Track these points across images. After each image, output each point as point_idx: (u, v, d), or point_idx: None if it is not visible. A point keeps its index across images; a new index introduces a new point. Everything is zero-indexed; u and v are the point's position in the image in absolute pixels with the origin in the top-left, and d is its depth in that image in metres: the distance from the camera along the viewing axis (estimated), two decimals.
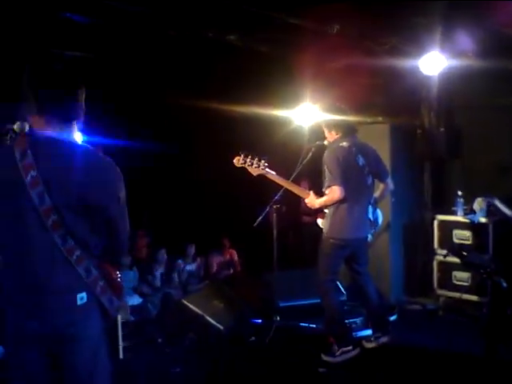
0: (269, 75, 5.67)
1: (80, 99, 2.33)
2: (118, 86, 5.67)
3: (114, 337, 4.09)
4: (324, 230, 4.43)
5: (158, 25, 4.72)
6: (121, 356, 4.09)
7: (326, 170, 4.32)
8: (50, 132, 2.26)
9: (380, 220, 4.71)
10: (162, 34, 4.85)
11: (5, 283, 2.27)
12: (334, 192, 4.25)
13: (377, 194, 4.64)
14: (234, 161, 4.49)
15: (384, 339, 4.58)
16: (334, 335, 4.46)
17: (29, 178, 2.17)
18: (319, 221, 4.59)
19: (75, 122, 2.35)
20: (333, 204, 4.35)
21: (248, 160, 4.44)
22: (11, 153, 2.19)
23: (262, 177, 4.53)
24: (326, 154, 4.39)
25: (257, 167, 4.43)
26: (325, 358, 4.48)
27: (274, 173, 4.48)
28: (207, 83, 6.11)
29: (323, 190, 4.39)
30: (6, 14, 4.11)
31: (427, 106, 5.89)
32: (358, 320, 5.19)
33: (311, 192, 4.52)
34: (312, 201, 4.46)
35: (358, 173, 4.40)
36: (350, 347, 4.40)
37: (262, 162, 4.43)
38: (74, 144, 2.32)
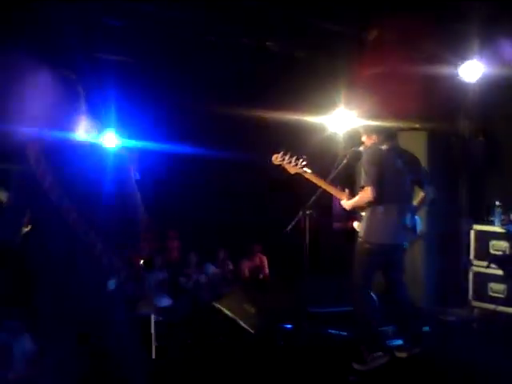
0: (305, 81, 5.67)
1: None
2: (157, 92, 5.74)
3: (147, 336, 4.13)
4: (360, 234, 4.37)
5: (196, 30, 4.79)
6: (153, 356, 4.12)
7: (363, 171, 4.28)
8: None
9: (419, 228, 4.59)
10: (200, 40, 4.90)
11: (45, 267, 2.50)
12: (365, 192, 4.20)
13: (416, 201, 4.55)
14: (273, 158, 4.47)
15: (416, 350, 4.50)
16: (366, 342, 4.40)
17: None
18: (355, 224, 4.54)
19: None
20: (364, 205, 4.30)
21: (286, 158, 4.42)
22: None
23: (298, 176, 4.48)
24: (364, 155, 4.34)
25: (295, 165, 4.40)
26: (356, 366, 4.43)
27: (311, 172, 4.43)
28: (242, 89, 6.15)
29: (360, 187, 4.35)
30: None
31: (465, 114, 5.81)
32: (389, 329, 5.14)
33: (347, 190, 4.47)
34: (345, 202, 4.42)
35: (396, 176, 4.32)
36: (381, 353, 4.33)
37: (300, 160, 4.40)
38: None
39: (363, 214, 4.39)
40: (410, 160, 4.46)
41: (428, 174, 4.73)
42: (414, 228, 4.48)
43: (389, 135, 4.40)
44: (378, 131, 4.39)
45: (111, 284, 2.52)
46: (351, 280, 4.40)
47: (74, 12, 4.23)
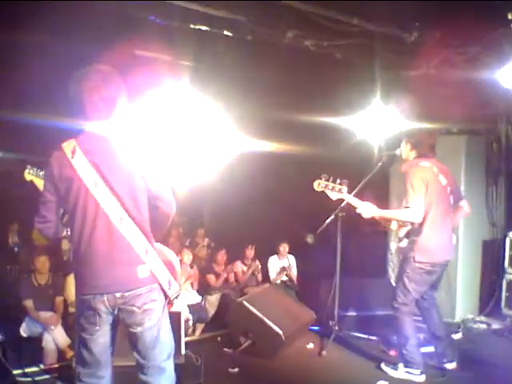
0: (342, 82, 5.62)
1: None
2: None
3: (177, 332, 4.15)
4: (409, 254, 4.21)
5: (234, 29, 4.78)
6: (183, 351, 4.15)
7: (410, 188, 4.14)
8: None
9: (453, 241, 4.48)
10: (238, 39, 4.89)
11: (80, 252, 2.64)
12: (414, 214, 4.09)
13: (455, 217, 4.41)
14: (314, 185, 4.37)
15: (449, 366, 4.39)
16: (403, 356, 4.32)
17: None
18: (392, 245, 4.47)
19: None
20: (403, 223, 4.25)
21: (329, 184, 4.34)
22: None
23: (340, 201, 4.43)
24: (409, 172, 4.22)
25: (337, 192, 4.32)
26: (385, 368, 4.39)
27: (353, 198, 4.35)
28: (278, 89, 6.12)
29: (404, 205, 4.25)
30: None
31: (505, 119, 5.68)
32: (420, 336, 5.06)
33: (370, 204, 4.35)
34: (373, 211, 4.29)
35: (442, 193, 4.24)
36: (418, 371, 4.23)
37: (343, 186, 4.32)
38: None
39: (400, 234, 4.32)
40: (449, 174, 4.36)
41: (461, 191, 4.62)
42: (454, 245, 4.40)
43: (427, 151, 4.29)
44: (417, 145, 4.30)
45: (144, 270, 2.62)
46: (395, 296, 4.26)
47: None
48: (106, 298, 2.58)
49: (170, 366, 2.77)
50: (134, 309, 2.61)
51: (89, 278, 2.60)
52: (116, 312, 2.63)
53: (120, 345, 2.80)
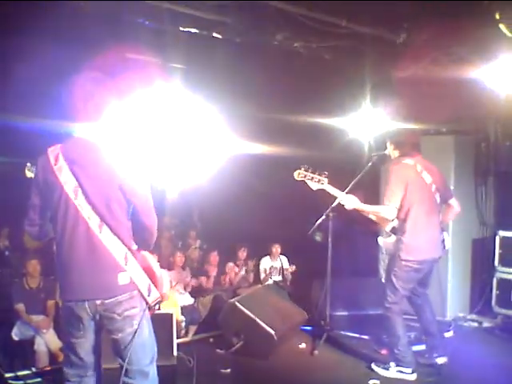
0: (331, 83, 5.65)
1: None
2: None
3: (169, 333, 4.15)
4: (395, 252, 4.26)
5: (223, 32, 4.79)
6: (175, 353, 4.15)
7: (387, 185, 4.21)
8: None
9: (447, 244, 4.51)
10: (227, 41, 4.91)
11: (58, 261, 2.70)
12: (389, 211, 4.14)
13: (441, 216, 4.45)
14: (295, 174, 4.41)
15: (440, 360, 4.44)
16: (394, 355, 4.35)
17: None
18: (380, 239, 4.50)
19: None
20: (383, 219, 4.28)
21: (308, 174, 4.37)
22: None
23: (321, 192, 4.43)
24: (391, 170, 4.28)
25: (317, 181, 4.35)
26: (376, 368, 4.41)
27: (334, 189, 4.37)
28: (268, 90, 6.15)
29: (383, 202, 4.29)
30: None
31: (493, 118, 5.73)
32: (411, 334, 5.10)
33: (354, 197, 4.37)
34: (355, 203, 4.31)
35: (426, 191, 4.27)
36: (410, 370, 4.27)
37: (323, 176, 4.35)
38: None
39: (387, 229, 4.36)
40: (435, 172, 4.39)
41: (449, 187, 4.67)
42: (442, 243, 4.42)
43: (410, 150, 4.33)
44: (402, 145, 4.34)
45: (124, 277, 2.66)
46: (385, 296, 4.29)
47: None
48: (87, 305, 2.63)
49: (152, 370, 2.82)
50: (115, 316, 2.66)
51: (70, 285, 2.66)
52: (98, 318, 2.68)
53: (108, 348, 2.84)
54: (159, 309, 2.84)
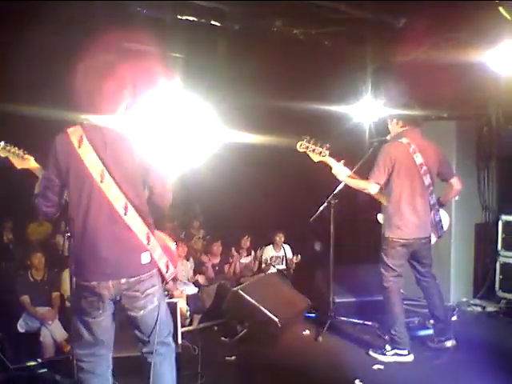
0: (332, 69, 5.62)
1: None
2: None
3: (173, 323, 4.16)
4: (383, 230, 4.34)
5: (222, 19, 4.77)
6: (179, 341, 4.18)
7: (375, 161, 4.26)
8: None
9: (445, 223, 4.54)
10: (226, 29, 4.88)
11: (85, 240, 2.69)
12: (370, 185, 4.20)
13: (443, 195, 4.51)
14: (297, 145, 4.34)
15: (448, 344, 4.46)
16: (391, 336, 4.38)
17: None
18: (379, 216, 4.52)
19: None
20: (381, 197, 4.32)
21: (310, 145, 4.31)
22: None
23: (322, 164, 4.39)
24: (383, 147, 4.32)
25: (318, 153, 4.31)
26: (373, 354, 4.44)
27: (335, 161, 4.34)
28: (267, 78, 6.12)
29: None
30: None
31: (495, 103, 5.69)
32: (415, 320, 5.12)
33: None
34: (342, 172, 4.32)
35: (414, 172, 4.28)
36: (406, 351, 4.31)
37: (324, 148, 4.30)
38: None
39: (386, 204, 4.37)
40: (430, 154, 4.37)
41: (451, 166, 4.67)
42: (438, 223, 4.43)
43: (411, 122, 4.33)
44: (402, 117, 4.35)
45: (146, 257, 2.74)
46: (381, 276, 4.36)
47: None
48: (110, 284, 2.67)
49: (171, 340, 2.96)
50: (137, 294, 2.73)
51: (94, 265, 2.67)
52: (118, 298, 2.74)
53: (120, 337, 2.93)
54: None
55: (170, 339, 2.96)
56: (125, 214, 2.66)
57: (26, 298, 5.37)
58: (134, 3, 4.34)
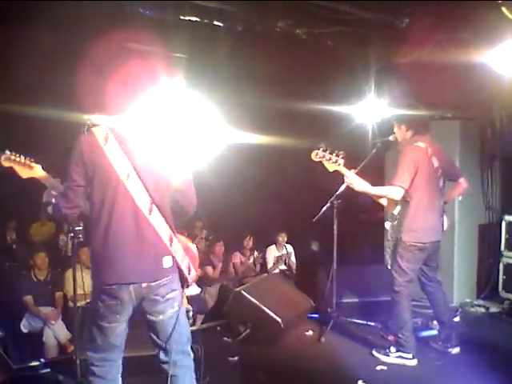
0: (334, 69, 5.62)
1: None
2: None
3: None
4: (399, 234, 4.28)
5: (225, 20, 4.76)
6: None
7: (399, 165, 4.19)
8: None
9: (445, 224, 4.51)
10: (229, 29, 4.88)
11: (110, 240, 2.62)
12: (395, 191, 4.15)
13: (448, 193, 4.49)
14: (312, 155, 4.29)
15: (453, 351, 4.44)
16: (397, 340, 4.36)
17: None
18: (387, 224, 4.49)
19: None
20: (389, 201, 4.29)
21: (326, 154, 4.26)
22: None
23: (336, 173, 4.35)
24: (404, 151, 4.26)
25: (334, 163, 4.25)
26: (377, 354, 4.43)
27: (348, 170, 4.30)
28: (270, 78, 6.11)
29: (391, 182, 4.26)
30: None
31: (498, 103, 5.68)
32: (418, 320, 5.11)
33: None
34: (364, 186, 4.27)
35: (433, 175, 4.28)
36: (410, 355, 4.29)
37: (340, 157, 4.24)
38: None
39: (395, 212, 4.35)
40: (443, 156, 4.39)
41: (459, 169, 4.67)
42: (442, 225, 4.43)
43: (422, 128, 4.32)
44: (411, 122, 4.32)
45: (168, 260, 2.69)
46: (393, 280, 4.31)
47: None
48: (132, 288, 2.61)
49: (189, 348, 2.89)
50: (158, 298, 2.67)
51: (116, 268, 2.61)
52: (138, 302, 2.67)
53: (134, 336, 2.87)
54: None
55: (189, 347, 2.88)
56: (149, 214, 2.61)
57: (29, 298, 5.38)
58: (137, 3, 4.34)
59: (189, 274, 2.80)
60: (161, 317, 2.71)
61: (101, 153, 2.57)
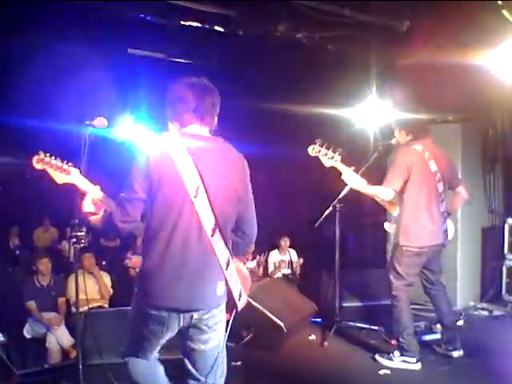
0: (335, 73, 5.63)
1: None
2: None
3: None
4: (396, 239, 4.28)
5: (226, 25, 4.78)
6: None
7: (390, 167, 4.19)
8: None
9: (450, 232, 4.48)
10: (230, 34, 4.89)
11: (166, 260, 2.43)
12: (385, 192, 4.12)
13: (450, 204, 4.45)
14: (309, 149, 4.24)
15: (455, 354, 4.42)
16: (399, 344, 4.34)
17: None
18: (386, 225, 4.49)
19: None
20: (385, 202, 4.29)
21: (323, 149, 4.20)
22: None
23: (332, 169, 4.30)
24: (397, 152, 4.26)
25: (330, 158, 4.19)
26: (380, 358, 4.40)
27: (344, 166, 4.25)
28: (271, 82, 6.13)
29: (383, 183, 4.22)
30: None
31: (500, 106, 5.68)
32: (421, 324, 5.09)
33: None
34: (352, 179, 4.23)
35: (430, 179, 4.24)
36: (414, 359, 4.26)
37: (337, 153, 4.19)
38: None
39: (394, 214, 4.34)
40: (442, 160, 4.35)
41: (458, 175, 4.66)
42: (445, 232, 4.40)
43: (421, 132, 4.30)
44: (410, 127, 4.31)
45: (222, 287, 2.51)
46: (390, 284, 4.31)
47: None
48: (182, 317, 2.45)
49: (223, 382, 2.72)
50: (204, 328, 2.51)
51: (170, 293, 2.41)
52: (184, 329, 2.51)
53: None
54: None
55: (222, 381, 2.67)
56: (212, 236, 2.42)
57: (32, 304, 5.39)
58: (138, 9, 4.36)
59: (239, 299, 2.63)
60: (202, 347, 2.53)
61: (171, 165, 2.40)
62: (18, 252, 7.35)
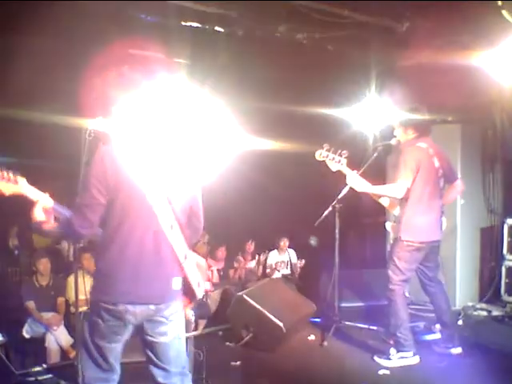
0: (335, 74, 5.63)
1: None
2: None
3: None
4: (397, 234, 4.31)
5: (226, 25, 4.78)
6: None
7: (402, 165, 4.22)
8: None
9: (443, 225, 4.54)
10: (230, 35, 4.89)
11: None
12: (398, 189, 4.17)
13: (447, 195, 4.51)
14: (316, 154, 4.35)
15: (454, 351, 4.45)
16: (396, 339, 4.36)
17: None
18: (388, 224, 4.51)
19: None
20: (392, 200, 4.32)
21: (330, 154, 4.30)
22: None
23: (339, 173, 4.39)
24: (405, 151, 4.30)
25: (337, 162, 4.29)
26: (378, 360, 4.41)
27: (350, 170, 4.32)
28: (271, 83, 6.13)
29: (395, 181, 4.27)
30: None
31: (499, 106, 5.69)
32: (421, 324, 5.10)
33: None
34: (365, 186, 4.30)
35: (433, 175, 4.31)
36: (411, 353, 4.30)
37: (343, 157, 4.28)
38: None
39: (395, 213, 4.36)
40: (443, 157, 4.43)
41: (455, 171, 4.69)
42: (441, 226, 4.44)
43: (425, 131, 4.35)
44: (416, 126, 4.34)
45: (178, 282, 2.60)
46: (388, 279, 4.34)
47: None
48: (138, 310, 2.49)
49: (187, 369, 2.77)
50: (162, 319, 2.57)
51: (126, 289, 2.46)
52: (141, 323, 2.55)
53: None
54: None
55: (187, 368, 2.76)
56: (169, 232, 2.50)
57: (31, 304, 5.38)
58: (138, 9, 4.36)
59: (198, 287, 2.71)
60: (162, 338, 2.58)
61: (125, 166, 2.41)
62: (17, 252, 7.34)
